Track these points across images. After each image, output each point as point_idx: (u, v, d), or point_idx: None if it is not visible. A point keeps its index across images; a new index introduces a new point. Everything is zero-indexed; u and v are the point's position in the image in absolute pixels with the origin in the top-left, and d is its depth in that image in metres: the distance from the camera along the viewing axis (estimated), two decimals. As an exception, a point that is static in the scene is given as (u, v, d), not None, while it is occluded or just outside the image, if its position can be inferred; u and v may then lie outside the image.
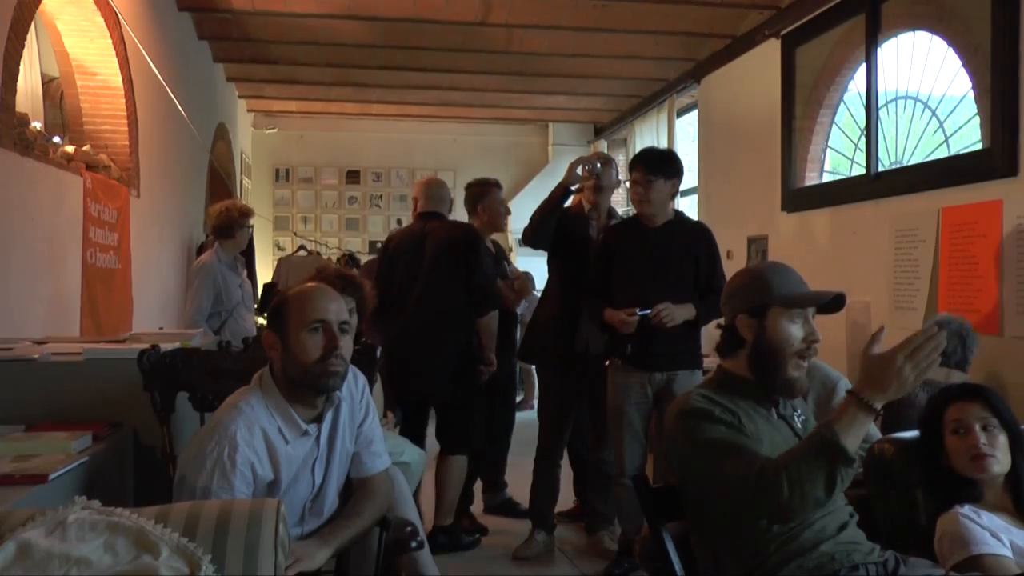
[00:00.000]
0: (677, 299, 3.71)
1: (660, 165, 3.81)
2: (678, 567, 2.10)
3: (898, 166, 4.94)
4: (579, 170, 4.11)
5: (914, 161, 4.86)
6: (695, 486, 2.08)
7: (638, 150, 8.58)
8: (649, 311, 3.64)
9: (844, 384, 3.32)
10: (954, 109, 4.67)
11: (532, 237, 4.20)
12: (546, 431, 4.29)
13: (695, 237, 3.89)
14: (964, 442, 2.26)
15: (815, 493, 1.85)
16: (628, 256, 3.82)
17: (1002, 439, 2.25)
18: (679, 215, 4.01)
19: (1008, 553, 2.10)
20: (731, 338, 2.16)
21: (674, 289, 3.73)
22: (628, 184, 3.92)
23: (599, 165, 4.19)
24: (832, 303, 2.15)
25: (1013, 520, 2.22)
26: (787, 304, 2.10)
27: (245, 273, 5.08)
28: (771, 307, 2.09)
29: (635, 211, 3.89)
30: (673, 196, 3.92)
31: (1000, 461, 2.24)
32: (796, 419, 2.17)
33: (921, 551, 2.19)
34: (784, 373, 2.09)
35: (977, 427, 2.25)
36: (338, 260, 8.65)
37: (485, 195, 4.62)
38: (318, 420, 2.25)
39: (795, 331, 2.09)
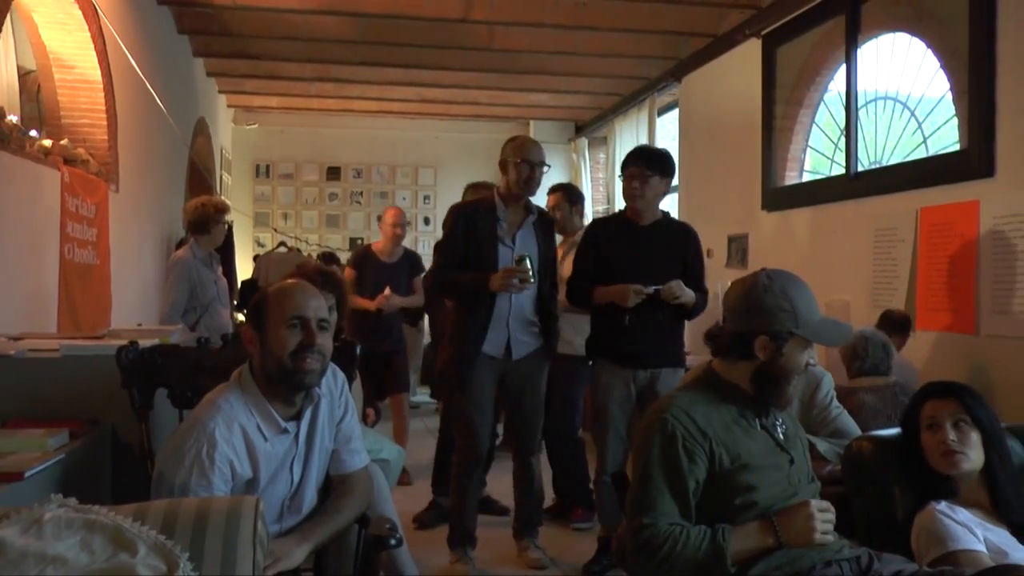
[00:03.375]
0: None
1: (657, 162, 3.85)
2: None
3: (877, 166, 4.98)
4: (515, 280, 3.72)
5: (893, 161, 4.89)
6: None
7: (619, 148, 8.67)
8: (660, 287, 3.62)
9: (828, 380, 3.34)
10: (932, 110, 4.71)
11: (439, 289, 4.17)
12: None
13: (683, 238, 3.91)
14: (935, 438, 2.29)
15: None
16: (617, 252, 3.81)
17: (974, 436, 2.28)
18: (666, 215, 4.02)
19: (982, 548, 2.13)
20: (739, 348, 2.10)
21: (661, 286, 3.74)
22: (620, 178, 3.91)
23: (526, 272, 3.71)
24: None
25: (987, 516, 2.25)
26: (816, 340, 2.10)
27: (220, 270, 5.05)
28: (795, 336, 2.07)
29: (627, 205, 3.89)
30: (664, 194, 3.94)
31: (971, 458, 2.26)
32: (778, 429, 2.15)
33: (897, 547, 2.21)
34: (786, 393, 2.10)
35: (948, 424, 2.28)
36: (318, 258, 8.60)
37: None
38: (297, 417, 2.24)
39: (804, 358, 2.10)
